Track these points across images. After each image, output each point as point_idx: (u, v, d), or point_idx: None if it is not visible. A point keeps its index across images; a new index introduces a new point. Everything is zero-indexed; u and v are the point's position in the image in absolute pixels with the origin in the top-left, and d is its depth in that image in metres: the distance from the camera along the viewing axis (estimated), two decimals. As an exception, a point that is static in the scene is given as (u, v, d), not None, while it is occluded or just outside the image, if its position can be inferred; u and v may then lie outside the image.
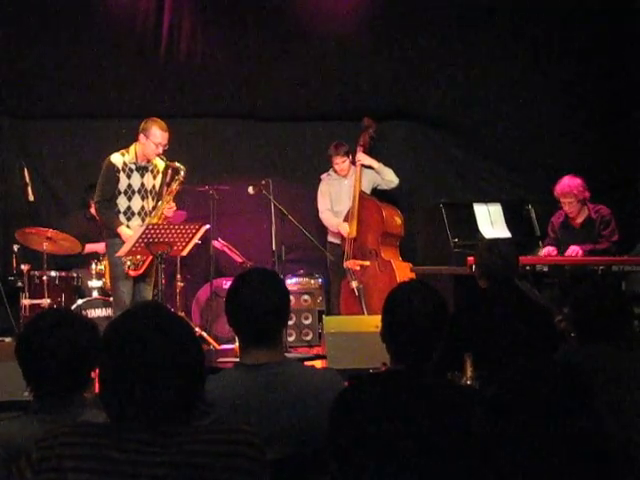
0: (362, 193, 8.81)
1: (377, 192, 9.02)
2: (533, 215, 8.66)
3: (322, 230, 9.15)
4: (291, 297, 3.46)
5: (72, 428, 2.28)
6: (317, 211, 9.08)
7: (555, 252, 7.84)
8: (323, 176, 9.11)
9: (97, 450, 2.18)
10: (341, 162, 8.89)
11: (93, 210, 8.40)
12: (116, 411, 2.22)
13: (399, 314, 3.07)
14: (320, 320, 8.73)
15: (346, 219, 8.80)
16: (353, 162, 8.95)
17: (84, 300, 8.23)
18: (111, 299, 7.70)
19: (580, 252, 7.60)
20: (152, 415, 2.18)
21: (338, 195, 8.97)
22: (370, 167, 8.92)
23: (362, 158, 8.90)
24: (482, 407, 2.94)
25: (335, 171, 8.99)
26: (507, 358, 4.50)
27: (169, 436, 2.19)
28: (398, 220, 8.82)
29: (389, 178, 8.93)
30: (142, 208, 7.30)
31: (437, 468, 2.77)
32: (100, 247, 8.31)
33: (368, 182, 8.96)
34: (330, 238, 9.04)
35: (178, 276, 8.73)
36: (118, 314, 2.37)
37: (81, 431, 2.25)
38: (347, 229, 8.69)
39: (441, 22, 8.95)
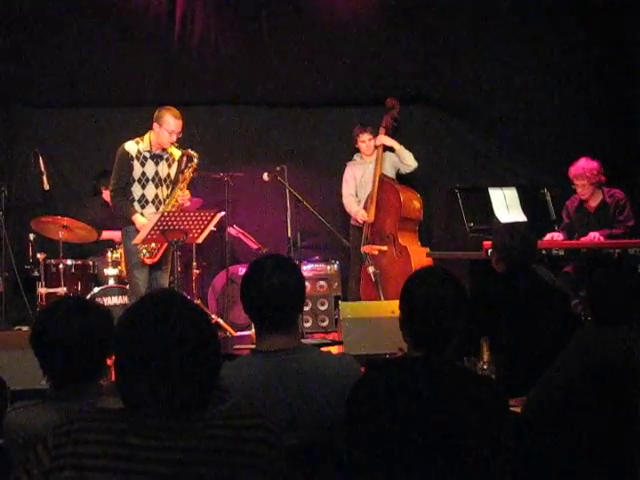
0: (382, 176, 8.77)
1: (397, 176, 8.99)
2: (549, 199, 8.61)
3: (341, 216, 9.15)
4: (307, 283, 3.47)
5: (89, 414, 2.28)
6: (333, 197, 9.09)
7: (562, 237, 7.79)
8: (348, 163, 9.08)
9: (114, 436, 2.18)
10: (367, 140, 8.85)
11: (105, 196, 8.44)
12: (132, 398, 2.22)
13: (417, 301, 3.03)
14: (336, 306, 8.73)
15: (365, 203, 8.79)
16: (376, 146, 8.92)
17: (100, 288, 8.24)
18: (127, 287, 7.72)
19: (601, 238, 7.55)
20: (168, 402, 2.19)
21: (363, 180, 8.92)
22: (391, 149, 8.89)
23: (383, 139, 8.86)
24: (502, 397, 2.94)
25: (360, 153, 8.97)
26: (523, 343, 4.50)
27: (186, 422, 2.19)
28: (417, 204, 8.76)
29: (408, 162, 8.88)
30: (156, 196, 7.30)
31: (452, 457, 2.76)
32: (116, 235, 8.32)
33: (391, 166, 8.92)
34: (353, 222, 9.00)
35: (194, 263, 8.72)
36: (133, 301, 2.38)
37: (98, 417, 2.25)
38: (365, 216, 8.67)
39: (460, 7, 8.92)
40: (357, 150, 9.03)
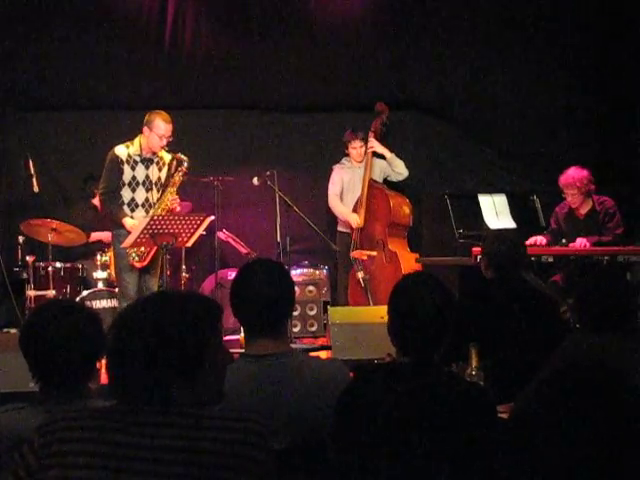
0: (372, 181, 8.75)
1: (386, 182, 8.98)
2: (538, 206, 8.63)
3: (330, 220, 9.13)
4: (296, 288, 3.45)
5: (74, 413, 2.28)
6: (323, 202, 9.05)
7: (544, 242, 7.80)
8: (335, 166, 9.05)
9: (99, 433, 2.18)
10: (359, 147, 8.81)
11: (95, 200, 8.43)
12: (125, 397, 2.23)
13: (405, 307, 3.03)
14: (325, 311, 8.71)
15: (355, 208, 8.78)
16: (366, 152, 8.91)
17: (89, 291, 8.24)
18: (116, 290, 7.71)
19: (587, 244, 7.56)
20: (162, 404, 2.19)
21: (351, 183, 8.89)
22: (382, 156, 8.88)
23: (375, 145, 8.85)
24: (490, 403, 2.94)
25: (350, 158, 8.93)
26: (512, 349, 4.51)
27: (175, 421, 2.19)
28: (406, 210, 8.77)
29: (399, 170, 8.87)
30: (146, 200, 7.30)
31: (440, 462, 2.76)
32: (105, 235, 8.32)
33: (380, 172, 8.91)
34: (340, 227, 8.98)
35: (183, 267, 8.72)
36: (124, 305, 2.38)
37: (83, 415, 2.26)
38: (357, 220, 8.65)
39: (448, 12, 8.94)
40: (346, 155, 9.01)
